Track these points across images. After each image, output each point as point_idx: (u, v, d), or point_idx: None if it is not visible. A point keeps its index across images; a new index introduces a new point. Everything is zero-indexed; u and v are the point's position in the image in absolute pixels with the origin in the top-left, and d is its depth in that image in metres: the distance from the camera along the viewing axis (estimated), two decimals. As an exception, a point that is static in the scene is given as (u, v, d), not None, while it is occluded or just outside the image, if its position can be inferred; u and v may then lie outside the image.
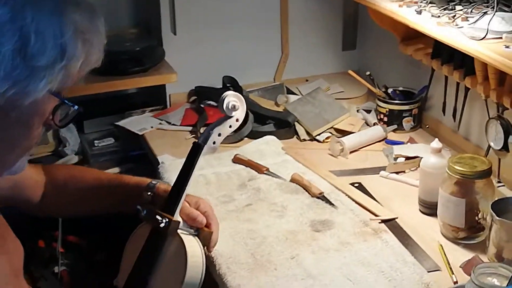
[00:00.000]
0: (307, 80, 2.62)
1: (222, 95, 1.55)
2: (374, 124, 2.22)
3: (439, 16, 1.70)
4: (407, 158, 1.99)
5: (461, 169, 1.56)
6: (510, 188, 1.77)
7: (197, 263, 1.43)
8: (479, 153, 1.79)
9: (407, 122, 2.21)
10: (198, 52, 2.44)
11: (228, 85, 2.44)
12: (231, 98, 1.55)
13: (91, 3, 1.09)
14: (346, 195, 1.83)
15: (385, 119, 2.22)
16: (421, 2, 1.82)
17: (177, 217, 1.45)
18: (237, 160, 2.03)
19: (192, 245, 1.46)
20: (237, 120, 1.57)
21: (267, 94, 2.42)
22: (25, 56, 0.96)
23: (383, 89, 2.23)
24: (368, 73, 2.24)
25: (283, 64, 2.60)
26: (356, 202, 1.79)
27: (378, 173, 1.96)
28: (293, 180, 1.91)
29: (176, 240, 1.44)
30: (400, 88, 2.28)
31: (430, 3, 1.79)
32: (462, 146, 2.05)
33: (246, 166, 2.01)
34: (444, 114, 2.10)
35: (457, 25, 1.64)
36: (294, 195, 1.84)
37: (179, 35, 2.35)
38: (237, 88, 2.41)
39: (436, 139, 1.72)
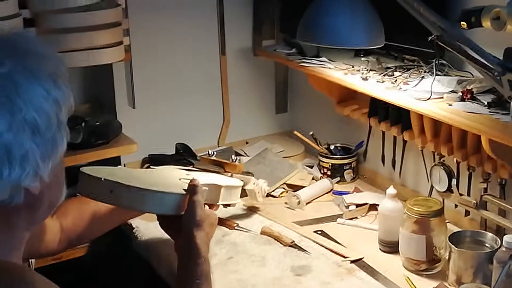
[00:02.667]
0: (247, 142, 2.86)
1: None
2: (321, 177, 2.49)
3: (383, 82, 2.00)
4: (358, 205, 2.25)
5: (419, 209, 1.84)
6: (454, 224, 2.07)
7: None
8: (417, 197, 2.07)
9: (348, 174, 2.49)
10: (150, 122, 2.63)
11: (181, 151, 2.63)
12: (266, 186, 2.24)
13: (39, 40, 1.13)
14: (314, 241, 2.06)
15: (329, 172, 2.49)
16: (363, 70, 2.12)
17: None
18: (207, 219, 2.22)
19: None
20: None
21: (219, 157, 2.63)
22: (42, 134, 1.03)
23: (325, 146, 2.51)
24: (311, 133, 2.51)
25: (226, 128, 2.83)
26: (325, 247, 2.02)
27: (335, 221, 2.20)
28: (263, 233, 2.12)
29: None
30: (338, 144, 2.57)
31: (371, 70, 2.10)
32: (400, 191, 2.34)
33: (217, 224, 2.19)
34: (384, 165, 2.39)
35: (400, 88, 1.94)
36: (268, 246, 2.05)
37: (138, 108, 2.53)
38: (190, 153, 2.61)
39: (391, 186, 1.99)
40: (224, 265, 1.95)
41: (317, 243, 2.05)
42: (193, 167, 2.04)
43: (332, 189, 2.43)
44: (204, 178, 1.80)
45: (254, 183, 2.19)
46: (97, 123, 2.45)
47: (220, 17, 2.67)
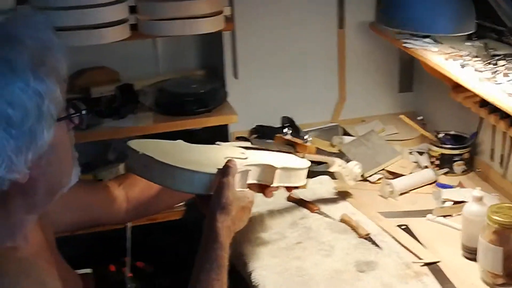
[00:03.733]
0: (363, 121, 2.73)
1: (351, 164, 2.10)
2: (425, 167, 2.31)
3: (482, 71, 1.79)
4: (455, 202, 2.06)
5: (499, 218, 1.63)
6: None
7: (305, 176, 1.86)
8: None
9: (458, 166, 2.28)
10: (259, 93, 2.59)
11: (286, 124, 2.57)
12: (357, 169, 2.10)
13: (26, 19, 1.11)
14: (392, 237, 1.92)
15: (437, 162, 2.30)
16: (467, 55, 1.91)
17: None
18: (291, 198, 2.16)
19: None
20: None
21: (324, 135, 2.55)
22: (16, 128, 1.03)
23: (434, 134, 2.32)
24: (420, 117, 2.33)
25: (341, 105, 2.72)
26: (401, 244, 1.88)
27: (426, 216, 2.04)
28: (342, 220, 2.01)
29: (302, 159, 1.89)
30: (452, 132, 2.36)
31: (476, 57, 1.89)
32: (511, 191, 2.11)
33: (299, 205, 2.13)
34: (492, 160, 2.16)
35: (496, 81, 1.72)
36: (342, 235, 1.95)
37: (241, 78, 2.51)
38: (294, 128, 2.55)
39: (478, 188, 1.80)
40: (290, 249, 1.89)
41: (394, 238, 1.91)
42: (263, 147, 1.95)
43: (435, 181, 2.25)
44: (260, 158, 1.74)
45: (340, 165, 2.07)
46: (202, 91, 2.47)
47: (340, -7, 2.55)
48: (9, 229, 1.16)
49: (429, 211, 2.05)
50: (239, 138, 2.38)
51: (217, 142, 1.82)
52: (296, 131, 2.53)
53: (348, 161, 2.29)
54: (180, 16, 2.15)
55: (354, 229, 1.96)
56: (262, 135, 2.56)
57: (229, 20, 2.33)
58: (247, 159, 1.68)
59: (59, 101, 1.09)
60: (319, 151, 2.34)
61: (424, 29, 1.62)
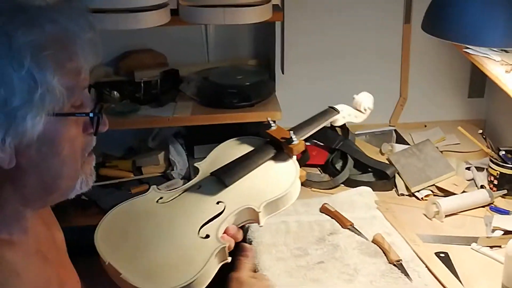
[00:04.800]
0: (425, 126, 2.50)
1: (360, 95, 1.86)
2: (482, 186, 2.07)
3: (544, 89, 1.55)
4: (506, 232, 1.83)
5: (543, 265, 1.41)
6: None
7: (296, 190, 1.53)
8: None
9: (519, 188, 2.04)
10: (308, 89, 2.42)
11: (336, 125, 2.38)
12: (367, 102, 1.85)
13: (40, 4, 1.02)
14: (426, 266, 1.72)
15: (495, 182, 2.06)
16: (532, 69, 1.67)
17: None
18: (324, 209, 1.98)
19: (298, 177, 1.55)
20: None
21: (375, 140, 2.34)
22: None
23: (496, 150, 2.07)
24: (480, 131, 2.09)
25: (401, 107, 2.50)
26: (434, 276, 1.68)
27: (471, 244, 1.82)
28: (374, 241, 1.82)
29: (288, 162, 1.59)
30: (518, 149, 2.11)
31: (542, 71, 1.64)
32: None
33: (332, 218, 1.96)
34: (556, 187, 1.91)
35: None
36: (371, 258, 1.76)
37: (289, 72, 2.34)
38: (344, 131, 2.35)
39: (526, 224, 1.56)
40: (310, 269, 1.72)
41: (428, 268, 1.71)
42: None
43: (491, 203, 2.01)
44: (238, 201, 1.49)
45: (344, 117, 1.83)
46: (246, 84, 2.32)
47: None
48: (3, 220, 1.10)
49: (476, 239, 1.83)
50: None
51: (196, 164, 1.62)
52: (346, 133, 2.34)
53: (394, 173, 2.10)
54: (222, 4, 2.00)
55: (385, 252, 1.77)
56: (311, 135, 2.38)
57: (279, 9, 2.15)
58: (224, 210, 1.46)
59: (55, 93, 1.00)
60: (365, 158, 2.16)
61: (475, 41, 1.39)
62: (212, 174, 1.53)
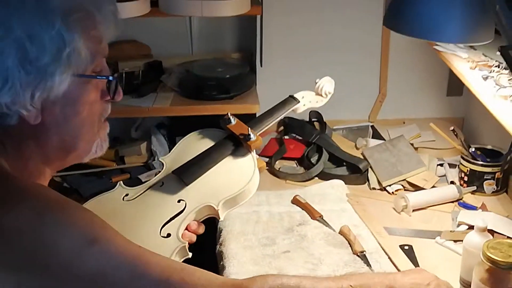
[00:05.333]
0: (404, 123, 2.53)
1: (323, 80, 1.87)
2: (452, 182, 2.11)
3: (505, 87, 1.58)
4: (471, 227, 1.87)
5: (494, 256, 1.43)
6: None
7: (254, 185, 1.55)
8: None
9: (488, 185, 2.07)
10: (288, 83, 2.43)
11: (313, 120, 2.43)
12: (328, 86, 1.86)
13: None
14: (389, 258, 1.76)
15: (466, 178, 2.10)
16: (496, 66, 1.70)
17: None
18: (295, 201, 2.02)
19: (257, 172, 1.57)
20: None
21: (351, 135, 2.38)
22: (30, 62, 1.04)
23: (467, 147, 2.11)
24: (451, 128, 2.12)
25: (380, 103, 2.53)
26: (396, 267, 1.72)
27: (435, 238, 1.85)
28: (341, 232, 1.86)
29: (247, 157, 1.61)
30: (489, 147, 2.14)
31: (505, 68, 1.67)
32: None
33: (302, 209, 1.99)
34: (522, 184, 1.94)
35: (516, 99, 1.52)
36: (336, 249, 1.80)
37: (269, 66, 2.37)
38: (322, 125, 2.39)
39: (482, 217, 1.60)
40: (275, 258, 1.76)
41: (390, 259, 1.75)
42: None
43: (460, 199, 2.04)
44: (198, 198, 1.53)
45: (304, 105, 1.82)
46: (226, 77, 2.35)
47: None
48: (29, 177, 1.15)
49: (441, 233, 1.87)
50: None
51: (161, 159, 1.66)
52: (323, 128, 2.38)
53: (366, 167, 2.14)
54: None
55: (350, 243, 1.81)
56: (290, 128, 2.43)
57: (258, 3, 2.19)
58: (185, 208, 1.50)
59: (81, 55, 1.09)
60: (339, 152, 2.20)
61: (431, 37, 1.43)
62: (173, 172, 1.58)
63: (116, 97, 1.20)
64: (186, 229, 1.48)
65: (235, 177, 1.59)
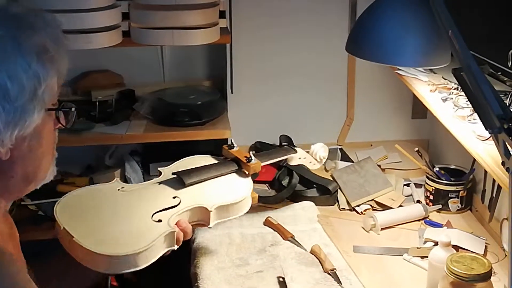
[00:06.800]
0: (371, 145, 2.61)
1: (316, 145, 2.08)
2: (418, 201, 2.18)
3: (463, 108, 1.67)
4: (436, 243, 1.93)
5: (457, 269, 1.50)
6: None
7: (247, 204, 1.74)
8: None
9: (453, 203, 2.14)
10: (259, 109, 2.52)
11: (284, 144, 2.49)
12: (322, 152, 2.06)
13: (41, 14, 1.20)
14: (355, 275, 1.82)
15: (431, 197, 2.17)
16: (455, 88, 1.79)
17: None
18: (267, 223, 2.08)
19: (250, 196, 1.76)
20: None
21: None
22: (10, 101, 1.10)
23: (432, 167, 2.19)
24: (416, 149, 2.20)
25: (347, 127, 2.61)
26: (363, 285, 1.77)
27: (402, 255, 1.92)
28: (312, 251, 1.92)
29: (246, 180, 1.80)
30: (452, 166, 2.23)
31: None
32: (498, 239, 1.96)
33: (274, 230, 2.05)
34: (482, 202, 2.02)
35: (472, 120, 1.60)
36: (308, 267, 1.85)
37: (240, 93, 2.44)
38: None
39: (445, 233, 1.67)
40: (248, 278, 1.81)
41: (357, 277, 1.80)
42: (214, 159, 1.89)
43: (426, 217, 2.11)
44: (194, 198, 1.65)
45: (300, 158, 2.05)
46: (197, 103, 2.41)
47: (352, 1, 2.43)
48: None
49: (407, 250, 1.93)
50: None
51: (159, 168, 1.76)
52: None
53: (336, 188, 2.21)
54: (171, 26, 2.10)
55: (321, 262, 1.87)
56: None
57: (227, 32, 2.26)
58: (179, 204, 1.60)
59: (54, 92, 1.18)
60: (309, 174, 2.26)
61: (389, 61, 1.50)
62: (173, 173, 1.67)
63: (69, 125, 1.27)
64: (176, 224, 1.56)
65: (232, 191, 1.72)
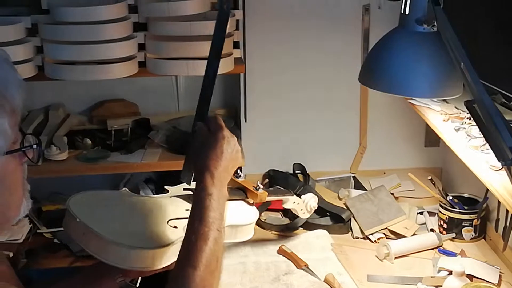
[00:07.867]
0: (384, 173, 2.62)
1: (307, 195, 2.09)
2: (431, 230, 2.18)
3: (476, 138, 1.68)
4: (451, 272, 1.93)
5: (471, 299, 1.51)
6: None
7: (251, 230, 1.75)
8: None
9: (467, 232, 2.15)
10: (273, 137, 2.54)
11: (297, 172, 2.51)
12: (312, 202, 2.09)
13: None
14: (371, 304, 1.82)
15: (445, 225, 2.17)
16: (467, 118, 1.80)
17: None
18: (281, 251, 2.09)
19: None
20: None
21: (334, 185, 2.47)
22: None
23: (445, 195, 2.19)
24: (429, 177, 2.21)
25: (360, 155, 2.62)
26: (378, 313, 1.78)
27: (416, 284, 1.92)
28: (326, 280, 1.92)
29: (252, 208, 1.82)
30: (465, 195, 2.23)
31: (476, 120, 1.77)
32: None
33: (288, 259, 2.06)
34: (496, 231, 2.02)
35: (487, 149, 1.61)
36: (321, 297, 1.86)
37: (253, 121, 2.47)
38: (305, 176, 2.48)
39: (459, 262, 1.67)
40: (262, 307, 1.82)
41: (372, 306, 1.81)
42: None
43: (439, 246, 2.12)
44: None
45: (294, 202, 2.05)
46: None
47: (365, 33, 2.46)
48: None
49: (421, 279, 1.93)
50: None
51: (166, 187, 1.77)
52: (306, 179, 2.46)
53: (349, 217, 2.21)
54: (185, 56, 2.14)
55: (335, 291, 1.87)
56: (275, 180, 2.50)
57: (241, 62, 2.30)
58: None
59: (9, 133, 1.12)
60: (323, 203, 2.27)
61: (403, 92, 1.53)
62: (185, 189, 1.68)
63: (40, 160, 1.23)
64: None
65: (241, 214, 1.74)
